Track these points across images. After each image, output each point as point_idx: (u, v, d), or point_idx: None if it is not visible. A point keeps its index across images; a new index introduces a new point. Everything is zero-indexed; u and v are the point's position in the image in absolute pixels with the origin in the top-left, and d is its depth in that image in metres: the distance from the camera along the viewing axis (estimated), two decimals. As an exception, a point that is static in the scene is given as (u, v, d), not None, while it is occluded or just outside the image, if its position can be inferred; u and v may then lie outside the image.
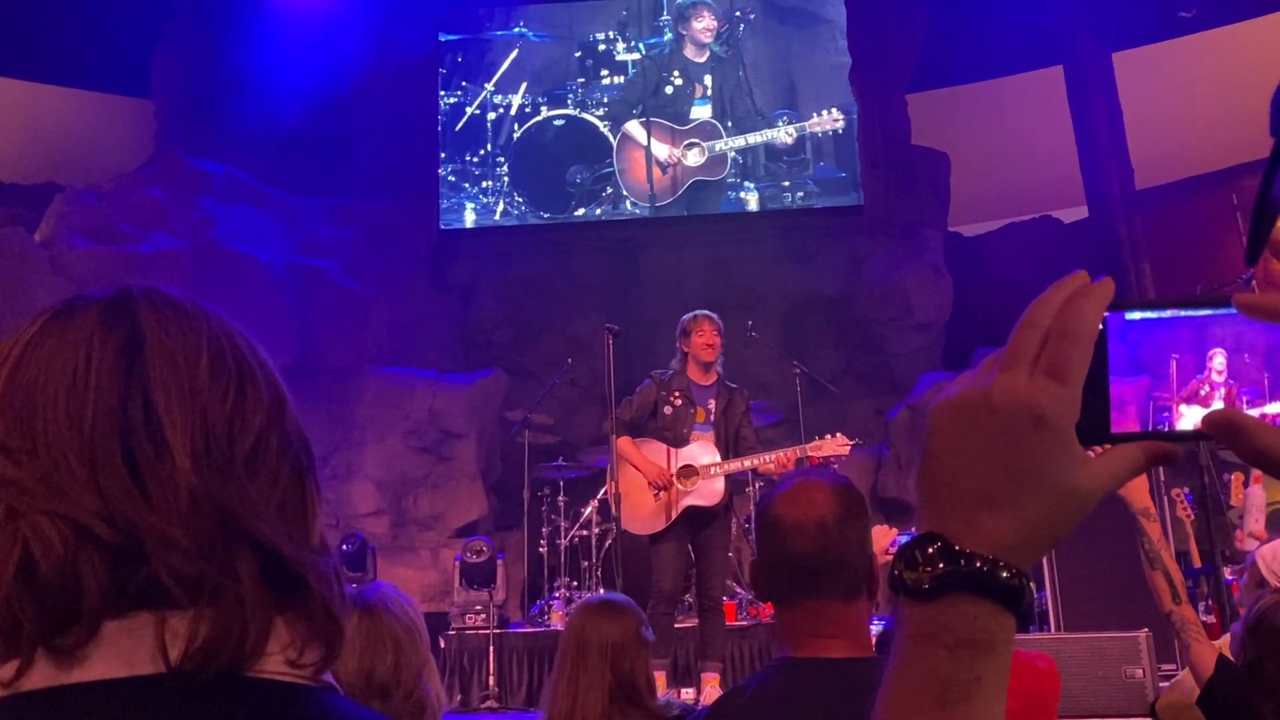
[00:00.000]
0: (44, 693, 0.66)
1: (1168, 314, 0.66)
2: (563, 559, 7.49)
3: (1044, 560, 5.72)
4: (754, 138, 10.76)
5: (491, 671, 6.36)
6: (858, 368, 10.03)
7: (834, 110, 10.73)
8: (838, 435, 5.80)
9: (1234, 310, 0.63)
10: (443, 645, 6.51)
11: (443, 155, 11.01)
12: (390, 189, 10.62)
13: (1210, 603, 5.75)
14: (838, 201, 10.76)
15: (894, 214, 10.62)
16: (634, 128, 10.89)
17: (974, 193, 11.19)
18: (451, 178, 11.01)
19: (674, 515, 5.63)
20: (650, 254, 9.97)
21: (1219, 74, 10.93)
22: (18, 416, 0.70)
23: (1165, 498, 5.99)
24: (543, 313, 9.94)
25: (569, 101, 11.05)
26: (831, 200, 10.78)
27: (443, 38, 11.20)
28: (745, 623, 6.63)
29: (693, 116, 10.88)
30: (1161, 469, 5.97)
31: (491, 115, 11.09)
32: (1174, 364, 0.67)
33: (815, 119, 10.71)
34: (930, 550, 0.62)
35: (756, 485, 7.74)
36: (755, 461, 5.68)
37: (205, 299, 0.79)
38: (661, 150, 10.84)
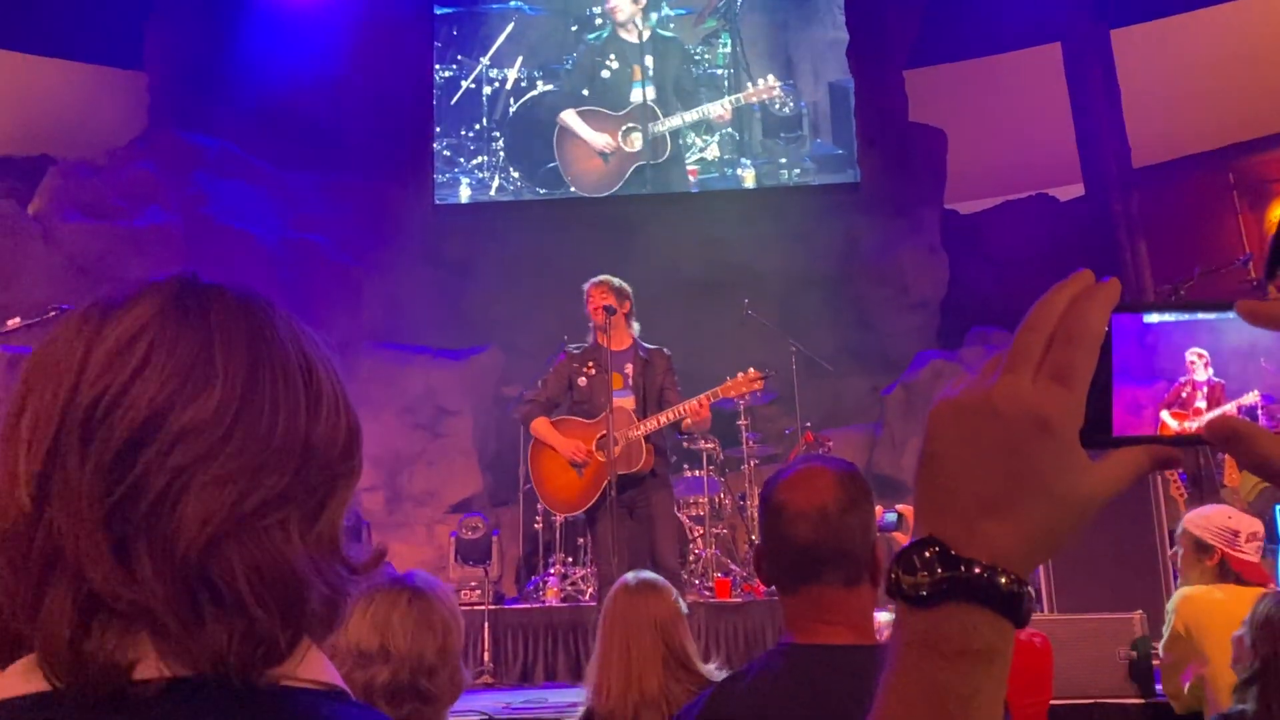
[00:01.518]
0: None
1: (1171, 317, 0.64)
2: (557, 535, 7.50)
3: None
4: (690, 115, 10.69)
5: (487, 647, 6.38)
6: (853, 346, 10.03)
7: (770, 78, 10.64)
8: (749, 370, 5.67)
9: (1234, 314, 0.61)
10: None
11: (438, 130, 10.94)
12: (385, 164, 10.57)
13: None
14: (834, 179, 10.73)
15: (890, 191, 10.60)
16: (569, 118, 10.81)
17: (970, 170, 11.17)
18: (446, 153, 10.96)
19: (600, 488, 5.46)
20: (646, 231, 9.93)
21: (1217, 51, 10.91)
22: None
23: (1160, 476, 6.00)
24: (538, 289, 9.90)
25: (565, 76, 10.99)
26: (828, 177, 10.74)
27: (438, 10, 11.12)
28: (739, 599, 6.64)
29: (631, 100, 10.81)
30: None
31: (487, 89, 11.03)
32: (1170, 366, 0.66)
33: (751, 89, 10.63)
34: (928, 555, 0.60)
35: (751, 463, 7.76)
36: (672, 415, 5.48)
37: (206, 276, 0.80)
38: (600, 139, 10.76)
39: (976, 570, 0.59)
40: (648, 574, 3.10)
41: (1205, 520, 3.78)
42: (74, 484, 0.68)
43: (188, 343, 0.74)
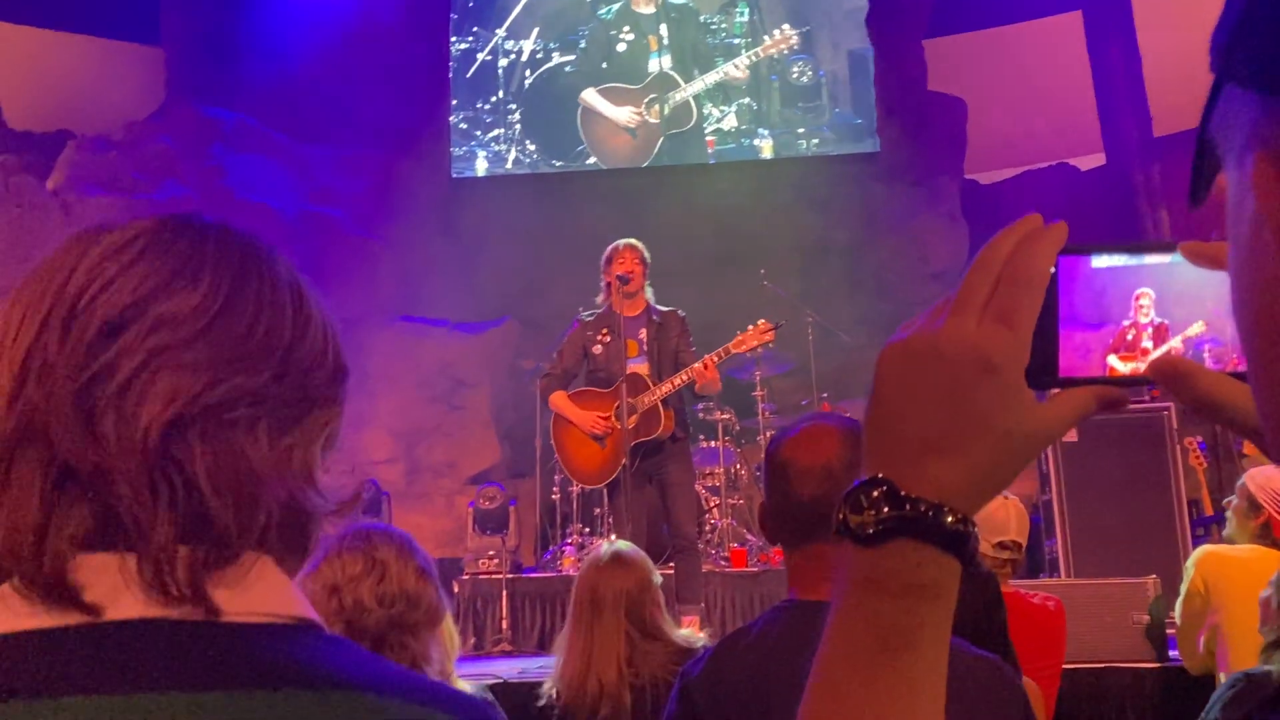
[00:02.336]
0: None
1: (1120, 260, 0.65)
2: (574, 505, 7.53)
3: (1054, 507, 5.74)
4: (709, 78, 10.62)
5: (504, 615, 6.42)
6: (871, 317, 9.97)
7: (786, 27, 10.56)
8: (759, 323, 5.61)
9: (1180, 257, 0.62)
10: (456, 590, 6.57)
11: (454, 102, 10.93)
12: (401, 137, 10.56)
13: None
14: (853, 149, 10.66)
15: (909, 161, 10.52)
16: (590, 97, 10.74)
17: (990, 140, 11.07)
18: (463, 125, 10.95)
19: (623, 458, 5.40)
20: (663, 202, 9.90)
21: (1241, 18, 10.75)
22: None
23: (1178, 446, 5.97)
24: (555, 262, 9.90)
25: (580, 53, 10.94)
26: (847, 147, 10.68)
27: (454, -17, 11.08)
28: (755, 569, 6.66)
29: (649, 70, 10.74)
30: (1174, 416, 5.97)
31: (503, 62, 10.99)
32: (1117, 308, 0.66)
33: (768, 41, 10.55)
34: (875, 494, 0.61)
35: (767, 434, 7.75)
36: (684, 377, 5.40)
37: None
38: (623, 114, 10.70)
39: (922, 508, 0.60)
40: (623, 546, 3.09)
41: (1265, 480, 3.75)
42: (51, 362, 0.70)
43: (182, 247, 0.76)
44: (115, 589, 0.68)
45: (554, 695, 2.91)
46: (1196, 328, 0.65)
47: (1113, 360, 0.65)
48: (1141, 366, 0.65)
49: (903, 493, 0.60)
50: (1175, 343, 0.64)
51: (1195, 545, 5.49)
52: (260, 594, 0.71)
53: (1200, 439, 6.43)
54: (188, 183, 9.29)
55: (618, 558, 2.95)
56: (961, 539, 0.60)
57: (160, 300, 0.72)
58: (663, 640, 2.83)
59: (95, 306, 0.71)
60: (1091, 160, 11.28)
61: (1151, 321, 0.66)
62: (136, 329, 0.71)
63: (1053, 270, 0.62)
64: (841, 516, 0.62)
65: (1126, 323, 0.65)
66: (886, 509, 0.60)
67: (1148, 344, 0.66)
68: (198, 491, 0.70)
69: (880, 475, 0.62)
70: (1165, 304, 0.66)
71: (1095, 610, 4.37)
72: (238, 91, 10.15)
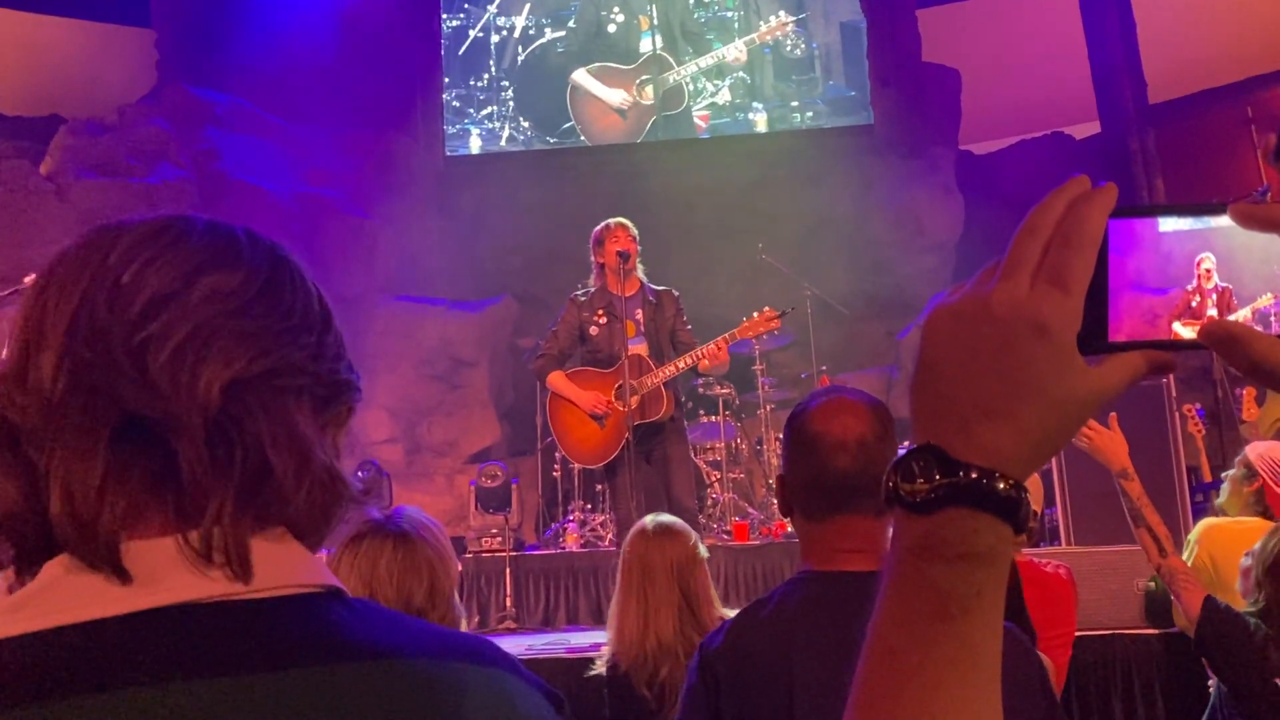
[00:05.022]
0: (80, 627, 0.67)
1: (1184, 225, 0.64)
2: (576, 483, 7.55)
3: (1053, 475, 5.75)
4: (705, 61, 10.57)
5: (509, 593, 6.45)
6: (868, 289, 9.99)
7: (782, 13, 10.52)
8: (765, 310, 5.60)
9: (1228, 219, 0.61)
10: (460, 568, 6.59)
11: (446, 80, 10.88)
12: (395, 116, 10.51)
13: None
14: (847, 121, 10.64)
15: (904, 133, 10.50)
16: (581, 77, 10.69)
17: (985, 110, 11.04)
18: (456, 103, 10.90)
19: (623, 438, 5.40)
20: (659, 178, 9.88)
21: (1235, -16, 10.72)
22: None
23: (1177, 413, 5.99)
24: (552, 239, 9.88)
25: (569, 33, 10.88)
26: (841, 120, 10.65)
27: (444, -41, 11.01)
28: (757, 542, 6.69)
29: (641, 51, 10.67)
30: (1173, 383, 5.99)
31: (495, 38, 10.94)
32: (1180, 272, 0.66)
33: (764, 26, 10.50)
34: (926, 461, 0.60)
35: (767, 408, 7.77)
36: (690, 360, 5.40)
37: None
38: (615, 95, 10.64)
39: (974, 475, 0.59)
40: (666, 517, 3.09)
41: (1267, 450, 3.79)
42: (102, 325, 0.70)
43: (216, 235, 0.77)
44: (162, 567, 0.68)
45: (613, 661, 2.95)
46: (1265, 299, 0.65)
47: (1177, 326, 0.66)
48: None
49: (954, 459, 0.60)
50: (1245, 313, 0.65)
51: (1194, 512, 5.52)
52: (292, 563, 0.72)
53: (1199, 406, 6.45)
54: (182, 165, 9.25)
55: (666, 528, 2.97)
56: (1014, 505, 0.60)
57: (206, 275, 0.73)
58: (705, 621, 2.84)
59: (143, 280, 0.72)
60: (1087, 129, 11.27)
61: (1215, 287, 0.66)
62: (185, 299, 0.72)
63: (1103, 233, 0.61)
64: (892, 484, 0.62)
65: (1190, 287, 0.65)
66: (938, 476, 0.60)
67: (1212, 311, 0.66)
68: (258, 448, 0.71)
69: (930, 442, 0.61)
70: (1228, 268, 0.66)
71: (1099, 578, 4.40)
72: (230, 73, 10.09)
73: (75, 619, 0.67)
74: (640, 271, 5.69)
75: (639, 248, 5.64)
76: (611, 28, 10.72)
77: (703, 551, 2.99)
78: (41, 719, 0.63)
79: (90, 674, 0.65)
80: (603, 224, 5.67)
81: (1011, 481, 0.60)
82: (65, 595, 0.67)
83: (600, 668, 3.03)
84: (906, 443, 0.66)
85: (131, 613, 0.67)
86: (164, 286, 0.72)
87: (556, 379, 5.61)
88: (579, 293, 5.75)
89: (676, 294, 5.76)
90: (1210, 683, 3.14)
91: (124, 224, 0.76)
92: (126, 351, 0.69)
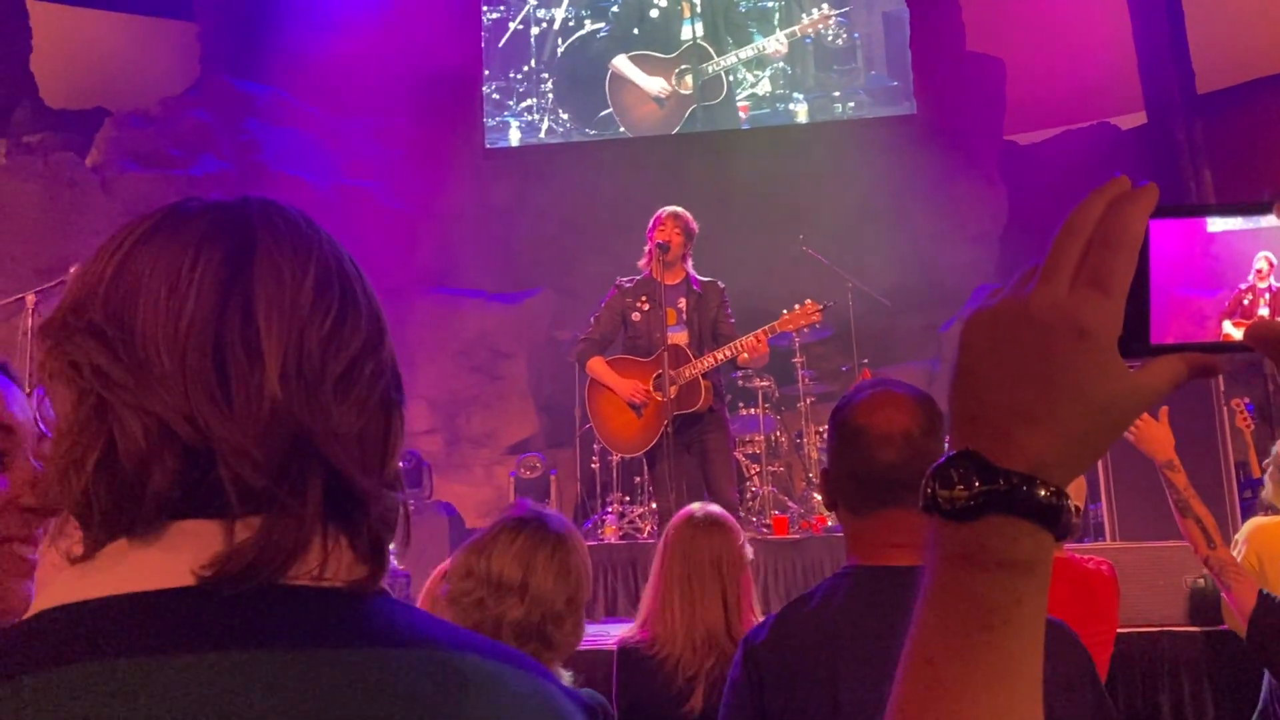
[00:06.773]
0: (95, 603, 0.66)
1: (1222, 221, 0.63)
2: (615, 474, 7.55)
3: (1099, 470, 5.67)
4: (745, 53, 10.50)
5: (547, 584, 6.46)
6: (910, 281, 9.90)
7: (825, 6, 10.43)
8: (806, 303, 5.56)
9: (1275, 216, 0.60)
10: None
11: (486, 73, 10.89)
12: (434, 108, 10.55)
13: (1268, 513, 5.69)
14: (889, 111, 10.54)
15: (947, 123, 10.39)
16: (622, 64, 10.66)
17: (1029, 100, 10.91)
18: (495, 96, 10.91)
19: (661, 428, 5.36)
20: (697, 169, 9.85)
21: (1287, -30, 10.51)
22: (119, 308, 0.70)
23: (1225, 407, 5.89)
24: (590, 231, 9.88)
25: (612, 18, 10.86)
26: (883, 110, 10.56)
27: (484, -49, 11.02)
28: (797, 536, 6.65)
29: (683, 38, 10.63)
30: (1221, 377, 5.88)
31: (535, 30, 10.94)
32: (1218, 271, 0.64)
33: (805, 20, 10.42)
34: (965, 469, 0.59)
35: (807, 401, 7.73)
36: (729, 352, 5.35)
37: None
38: (654, 84, 10.61)
39: (1015, 481, 0.58)
40: (715, 508, 2.98)
41: None
42: (184, 332, 0.69)
43: (292, 223, 0.76)
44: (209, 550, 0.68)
45: (635, 645, 2.84)
46: None
47: (1228, 326, 0.63)
48: None
49: (993, 465, 0.59)
50: None
51: (1243, 508, 5.42)
52: (343, 560, 0.72)
53: (1248, 400, 6.34)
54: (224, 157, 9.35)
55: (715, 520, 2.87)
56: (1055, 512, 0.59)
57: (285, 270, 0.73)
58: (747, 624, 2.72)
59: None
60: (1133, 119, 11.09)
61: (1270, 287, 0.64)
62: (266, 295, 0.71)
63: (1144, 234, 0.60)
64: (930, 491, 0.61)
65: (1244, 286, 0.63)
66: (978, 483, 0.59)
67: (1264, 310, 0.64)
68: (340, 442, 0.71)
69: (969, 448, 0.60)
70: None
71: (1146, 574, 4.33)
72: (271, 65, 10.17)
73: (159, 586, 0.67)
74: (689, 264, 5.67)
75: (687, 240, 5.61)
76: (654, 13, 10.69)
77: (748, 552, 2.89)
78: (89, 675, 0.62)
79: (146, 639, 0.64)
80: (661, 210, 5.66)
81: (1052, 488, 0.59)
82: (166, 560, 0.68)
83: (611, 646, 2.91)
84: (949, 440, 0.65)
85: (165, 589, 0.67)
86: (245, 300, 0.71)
87: (596, 364, 5.60)
88: (625, 279, 5.75)
89: (722, 286, 5.73)
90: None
91: (199, 207, 0.75)
92: (208, 356, 0.69)
